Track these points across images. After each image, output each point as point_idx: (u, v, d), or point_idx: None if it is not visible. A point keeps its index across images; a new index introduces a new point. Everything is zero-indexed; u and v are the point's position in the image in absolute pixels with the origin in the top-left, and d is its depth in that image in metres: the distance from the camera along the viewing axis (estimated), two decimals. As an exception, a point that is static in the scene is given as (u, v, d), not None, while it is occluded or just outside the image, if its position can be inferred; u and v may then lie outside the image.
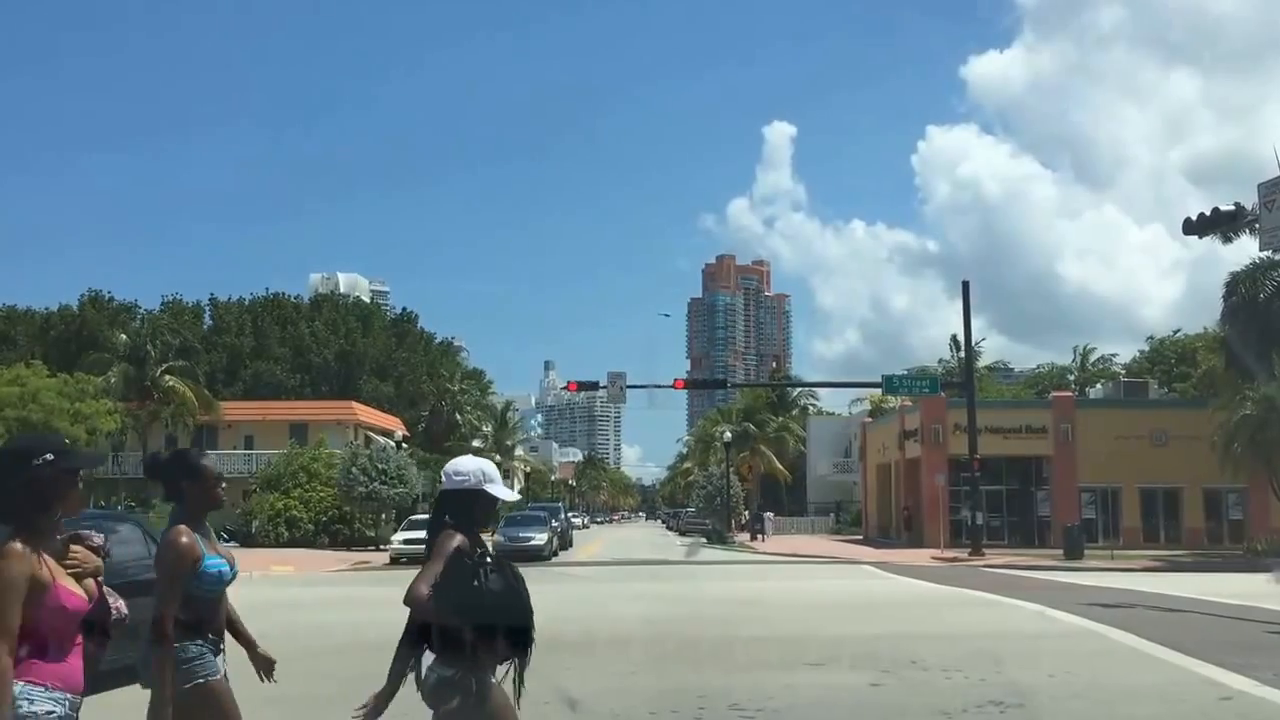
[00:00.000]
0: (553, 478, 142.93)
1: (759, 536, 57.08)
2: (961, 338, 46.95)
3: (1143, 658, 12.69)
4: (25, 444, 3.70)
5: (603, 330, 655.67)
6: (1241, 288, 37.57)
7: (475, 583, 4.19)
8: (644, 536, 75.56)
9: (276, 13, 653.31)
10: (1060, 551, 36.64)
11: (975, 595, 21.98)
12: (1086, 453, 44.98)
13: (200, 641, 4.60)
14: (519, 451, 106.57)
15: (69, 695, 3.55)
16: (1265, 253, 30.27)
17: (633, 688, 10.29)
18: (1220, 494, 44.88)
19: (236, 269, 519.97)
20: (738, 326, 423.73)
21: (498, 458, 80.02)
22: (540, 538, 39.05)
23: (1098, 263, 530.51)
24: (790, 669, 11.64)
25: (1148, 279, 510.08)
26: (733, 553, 46.21)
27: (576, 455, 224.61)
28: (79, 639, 3.61)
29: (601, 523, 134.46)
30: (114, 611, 3.85)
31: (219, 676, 4.61)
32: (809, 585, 26.17)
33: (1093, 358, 76.47)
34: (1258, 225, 22.82)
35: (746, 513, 69.15)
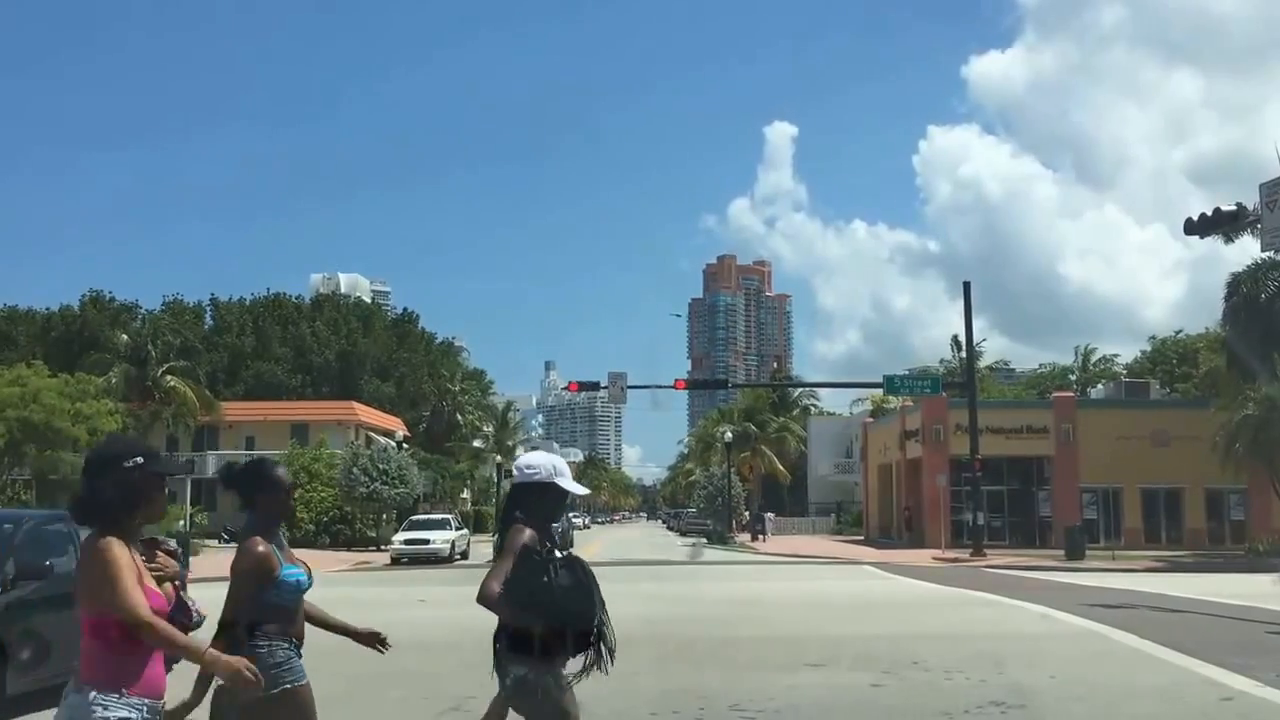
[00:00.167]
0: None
1: (760, 537, 57.07)
2: (963, 338, 46.93)
3: (1144, 658, 12.67)
4: (115, 447, 3.75)
5: (604, 331, 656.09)
6: (1243, 288, 37.57)
7: (545, 578, 4.19)
8: (645, 537, 75.58)
9: (277, 13, 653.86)
10: (1061, 552, 36.62)
11: (976, 596, 21.97)
12: (1088, 453, 44.94)
13: (288, 645, 4.61)
14: (519, 452, 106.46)
15: (148, 700, 3.55)
16: (1267, 253, 30.25)
17: (634, 688, 10.27)
18: (1222, 494, 44.83)
19: (237, 269, 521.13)
20: (739, 327, 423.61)
21: (498, 458, 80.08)
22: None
23: (1099, 263, 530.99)
24: (791, 669, 11.63)
25: (1149, 279, 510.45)
26: (733, 553, 46.21)
27: (577, 455, 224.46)
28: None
29: (602, 523, 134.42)
30: (194, 615, 3.94)
31: (305, 683, 4.63)
32: (810, 586, 26.16)
33: (1094, 358, 76.48)
34: (1259, 225, 22.79)
35: (747, 513, 69.16)
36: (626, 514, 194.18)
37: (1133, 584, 25.05)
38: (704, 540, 58.23)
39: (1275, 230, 21.69)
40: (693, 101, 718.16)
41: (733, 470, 68.21)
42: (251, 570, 4.54)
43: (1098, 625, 15.75)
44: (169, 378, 51.85)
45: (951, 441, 44.86)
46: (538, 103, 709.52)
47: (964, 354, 49.55)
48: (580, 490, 4.80)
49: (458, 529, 41.82)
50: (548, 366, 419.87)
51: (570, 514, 70.88)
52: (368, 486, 45.05)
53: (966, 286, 42.46)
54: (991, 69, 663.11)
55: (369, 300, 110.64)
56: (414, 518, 43.54)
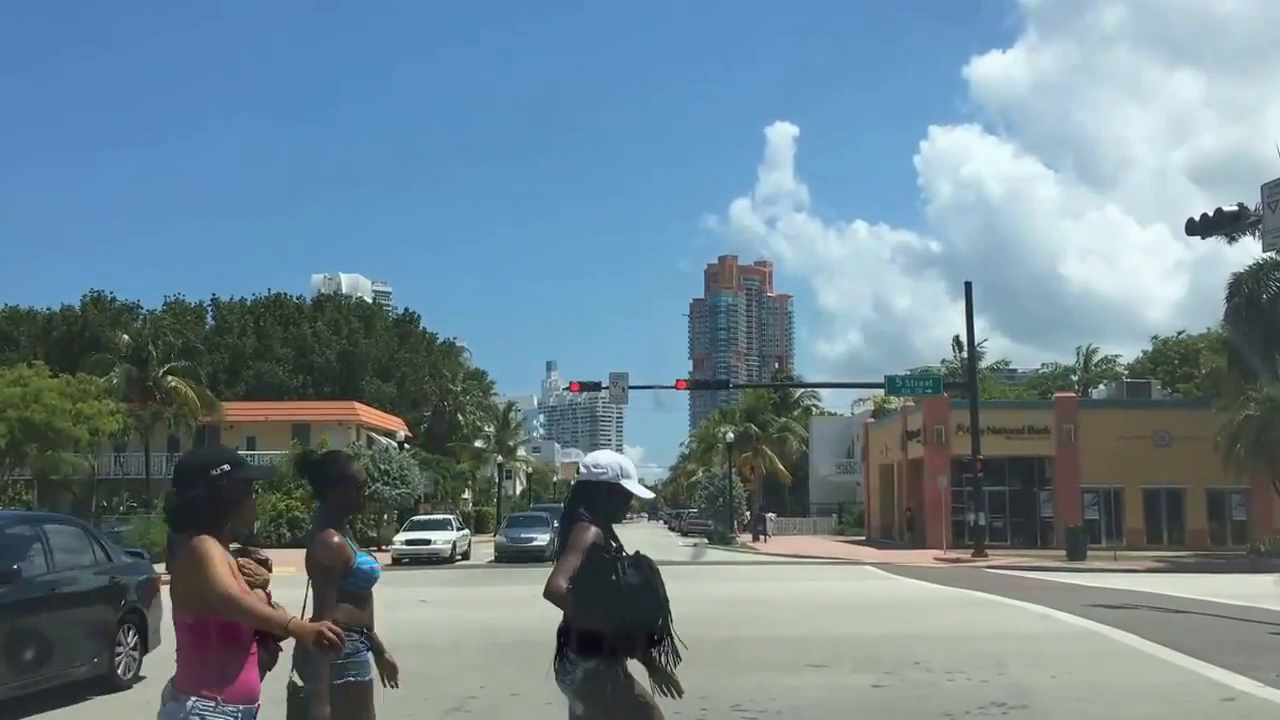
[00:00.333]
0: (555, 478, 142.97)
1: (761, 537, 57.04)
2: (964, 338, 46.94)
3: (1146, 659, 12.67)
4: (203, 456, 3.85)
5: (605, 331, 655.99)
6: (1245, 288, 37.51)
7: (613, 576, 4.21)
8: (646, 537, 75.31)
9: (278, 12, 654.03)
10: (1063, 552, 36.60)
11: (978, 596, 21.97)
12: (1089, 453, 44.91)
13: (359, 635, 4.64)
14: (521, 452, 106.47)
15: (243, 706, 3.59)
16: (1268, 253, 30.21)
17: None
18: (1223, 495, 44.82)
19: (238, 269, 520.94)
20: (740, 327, 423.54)
21: (499, 458, 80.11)
22: (542, 538, 38.98)
23: (1100, 263, 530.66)
24: (793, 670, 11.63)
25: (1150, 279, 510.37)
26: (735, 553, 46.20)
27: (579, 456, 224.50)
28: (254, 649, 3.68)
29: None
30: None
31: (369, 679, 4.68)
32: (811, 586, 26.16)
33: (1095, 358, 76.49)
34: (1261, 226, 22.77)
35: (748, 513, 69.13)
36: (628, 514, 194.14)
37: (1134, 584, 25.05)
38: (705, 540, 58.18)
39: (1277, 231, 21.65)
40: (694, 101, 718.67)
41: (734, 470, 68.17)
42: (334, 562, 4.60)
43: (1099, 626, 15.74)
44: (170, 378, 51.84)
45: (953, 442, 44.84)
46: (539, 102, 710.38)
47: (965, 354, 49.60)
48: (645, 494, 4.86)
49: (459, 529, 41.82)
50: (549, 367, 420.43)
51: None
52: (369, 487, 45.04)
53: (968, 287, 42.49)
54: (993, 69, 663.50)
55: (370, 300, 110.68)
56: (415, 518, 43.55)
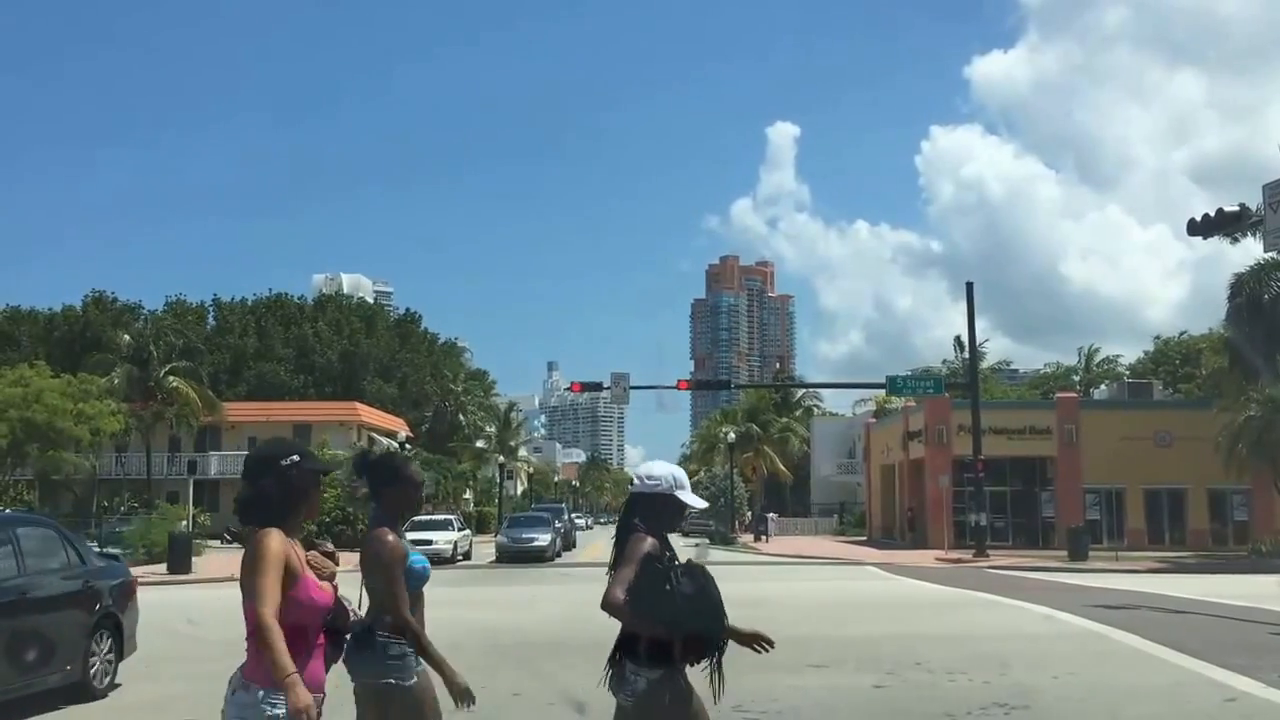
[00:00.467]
0: (556, 479, 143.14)
1: (762, 537, 57.03)
2: (965, 338, 46.94)
3: (1147, 659, 12.66)
4: (272, 448, 3.93)
5: (606, 331, 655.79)
6: (1246, 288, 37.50)
7: (668, 586, 4.23)
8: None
9: (279, 12, 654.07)
10: (1064, 553, 36.56)
11: (979, 597, 21.95)
12: (1091, 454, 44.88)
13: (404, 641, 4.67)
14: (522, 452, 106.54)
15: (319, 695, 3.65)
16: (1270, 253, 30.21)
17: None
18: (1225, 495, 44.81)
19: (240, 269, 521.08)
20: (741, 327, 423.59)
21: (500, 458, 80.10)
22: (544, 539, 39.02)
23: (1102, 263, 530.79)
24: (794, 670, 11.61)
25: (1152, 280, 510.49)
26: (736, 554, 46.15)
27: (580, 456, 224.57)
28: (321, 639, 3.75)
29: (605, 524, 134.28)
30: (351, 614, 4.04)
31: (412, 682, 4.68)
32: (813, 586, 26.15)
33: (1097, 359, 76.51)
34: (1262, 226, 22.76)
35: (750, 514, 69.12)
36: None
37: (1136, 585, 25.03)
38: (708, 541, 58.16)
39: (1278, 231, 21.64)
40: (695, 102, 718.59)
41: (735, 471, 68.18)
42: (391, 560, 4.65)
43: (1101, 626, 15.73)
44: (171, 378, 51.87)
45: (954, 442, 44.81)
46: (540, 103, 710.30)
47: (967, 354, 49.59)
48: (700, 503, 4.82)
49: (460, 530, 41.80)
50: (550, 367, 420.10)
51: (573, 515, 70.96)
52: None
53: (969, 287, 42.49)
54: (994, 69, 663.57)
55: (372, 300, 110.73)
56: (416, 518, 43.46)
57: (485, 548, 44.93)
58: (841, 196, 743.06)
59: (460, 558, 38.43)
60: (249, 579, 3.59)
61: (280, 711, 3.50)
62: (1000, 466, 44.56)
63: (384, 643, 4.56)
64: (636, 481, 4.63)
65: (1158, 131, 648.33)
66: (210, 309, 79.32)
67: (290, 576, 3.62)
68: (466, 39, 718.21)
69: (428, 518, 43.56)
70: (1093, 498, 45.84)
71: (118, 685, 10.60)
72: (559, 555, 41.43)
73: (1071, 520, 41.53)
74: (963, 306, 41.63)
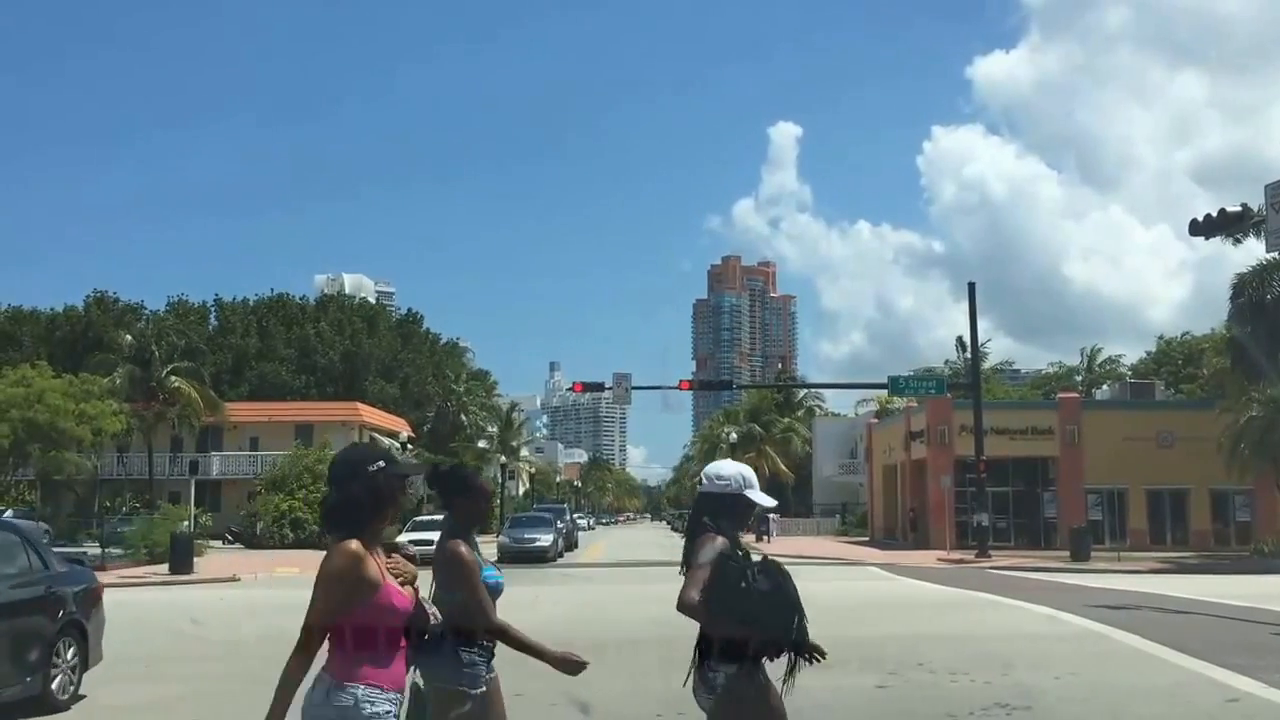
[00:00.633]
0: (558, 479, 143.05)
1: (764, 538, 57.02)
2: (967, 339, 46.92)
3: (1149, 660, 12.66)
4: (358, 454, 3.93)
5: (608, 332, 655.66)
6: (1249, 289, 37.46)
7: (743, 584, 4.26)
8: (649, 538, 75.50)
9: (281, 11, 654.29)
10: (1066, 553, 36.54)
11: (981, 597, 21.95)
12: (1093, 454, 44.87)
13: (475, 650, 4.70)
14: (524, 452, 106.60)
15: (397, 694, 3.72)
16: (1272, 254, 30.17)
17: (642, 690, 10.26)
18: (1227, 495, 44.77)
19: (242, 269, 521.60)
20: (743, 328, 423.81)
21: (502, 459, 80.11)
22: (545, 539, 39.00)
23: (1104, 264, 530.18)
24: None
25: (1154, 280, 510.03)
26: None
27: (582, 456, 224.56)
28: (403, 642, 3.78)
29: (606, 524, 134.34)
30: (431, 618, 4.07)
31: (481, 690, 4.71)
32: (814, 587, 26.01)
33: (1099, 359, 76.48)
34: (1265, 226, 22.74)
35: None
36: (631, 515, 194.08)
37: (1138, 585, 25.02)
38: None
39: (1280, 231, 21.62)
40: (697, 102, 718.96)
41: (737, 471, 68.07)
42: (470, 572, 4.65)
43: (1102, 626, 15.73)
44: (173, 378, 51.90)
45: (956, 442, 44.78)
46: (543, 103, 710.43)
47: (969, 355, 49.53)
48: (769, 502, 4.83)
49: (462, 530, 41.74)
50: (552, 367, 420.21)
51: (575, 515, 70.94)
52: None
53: (971, 287, 42.50)
54: (996, 69, 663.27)
55: (373, 301, 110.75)
56: (417, 519, 43.44)
57: (487, 548, 44.80)
58: (843, 197, 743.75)
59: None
60: (317, 590, 3.64)
61: (379, 708, 3.59)
62: (1002, 467, 44.51)
63: (457, 650, 4.59)
64: (705, 481, 4.66)
65: (1160, 132, 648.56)
66: (212, 309, 79.33)
67: (371, 585, 3.63)
68: (469, 39, 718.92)
69: (429, 518, 43.48)
70: (1095, 498, 45.80)
71: (82, 697, 10.15)
72: (561, 556, 41.44)
73: (1073, 521, 41.51)
74: (964, 307, 41.73)
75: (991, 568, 32.85)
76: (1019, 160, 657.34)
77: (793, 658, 4.39)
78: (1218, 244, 33.14)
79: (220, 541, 47.53)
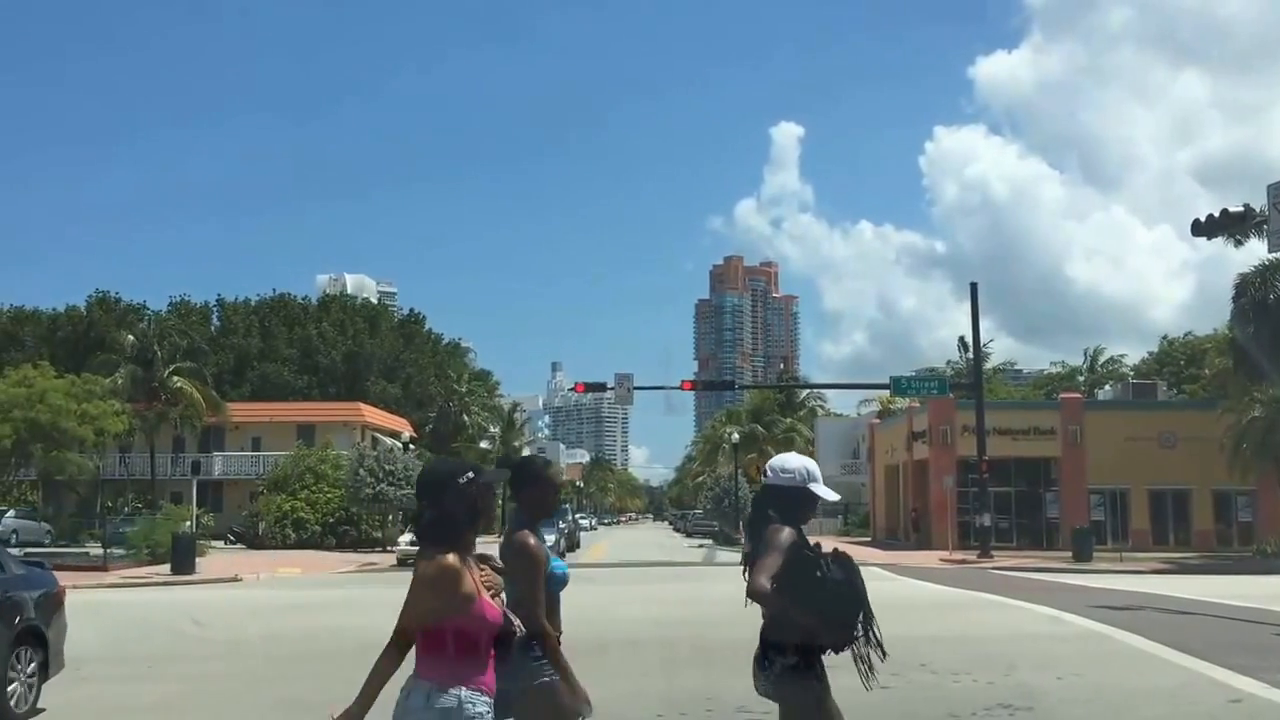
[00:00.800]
0: (560, 479, 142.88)
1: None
2: (970, 339, 46.94)
3: (1152, 660, 12.65)
4: (446, 467, 4.06)
5: (610, 332, 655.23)
6: (1251, 289, 37.44)
7: (818, 574, 4.32)
8: (652, 538, 75.62)
9: (283, 11, 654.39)
10: (1069, 553, 36.56)
11: (983, 598, 21.94)
12: (1095, 454, 44.84)
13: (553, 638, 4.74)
14: (526, 452, 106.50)
15: (492, 698, 3.81)
16: (1275, 254, 30.17)
17: (643, 690, 10.27)
18: (1230, 496, 44.74)
19: (244, 269, 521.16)
20: (745, 328, 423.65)
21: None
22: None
23: (1106, 264, 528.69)
24: (798, 671, 11.60)
25: (1156, 280, 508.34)
26: (741, 554, 46.21)
27: (584, 457, 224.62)
28: (492, 651, 3.86)
29: (608, 524, 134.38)
30: (516, 628, 4.08)
31: (557, 677, 4.75)
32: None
33: (1102, 359, 76.46)
34: (1267, 227, 22.73)
35: (754, 514, 69.04)
36: (633, 515, 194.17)
37: (1140, 586, 25.01)
38: (711, 542, 58.19)
39: (1283, 231, 21.61)
40: (699, 103, 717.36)
41: (740, 471, 68.14)
42: (533, 565, 4.69)
43: (1105, 627, 15.72)
44: (175, 378, 51.95)
45: (958, 443, 44.79)
46: (545, 103, 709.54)
47: (971, 355, 49.54)
48: (832, 496, 4.87)
49: (464, 530, 41.75)
50: (554, 367, 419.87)
51: (577, 515, 70.97)
52: (374, 488, 45.06)
53: (973, 287, 42.53)
54: (998, 70, 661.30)
55: (375, 301, 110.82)
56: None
57: (488, 549, 44.90)
58: (845, 197, 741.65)
59: (464, 558, 38.46)
60: (409, 598, 3.72)
61: (479, 709, 3.68)
62: (1004, 467, 44.48)
63: (528, 646, 4.59)
64: (770, 474, 4.71)
65: (1162, 132, 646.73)
66: (214, 309, 79.44)
67: (467, 599, 3.71)
68: (471, 39, 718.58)
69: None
70: (1097, 498, 45.78)
71: (41, 710, 9.54)
72: (562, 556, 41.37)
73: (1076, 521, 41.50)
74: (967, 307, 41.74)
75: (994, 568, 32.85)
76: (1021, 160, 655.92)
77: (861, 650, 4.47)
78: (1220, 244, 33.11)
79: (222, 542, 47.58)
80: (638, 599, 21.18)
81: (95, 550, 35.89)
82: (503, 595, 4.00)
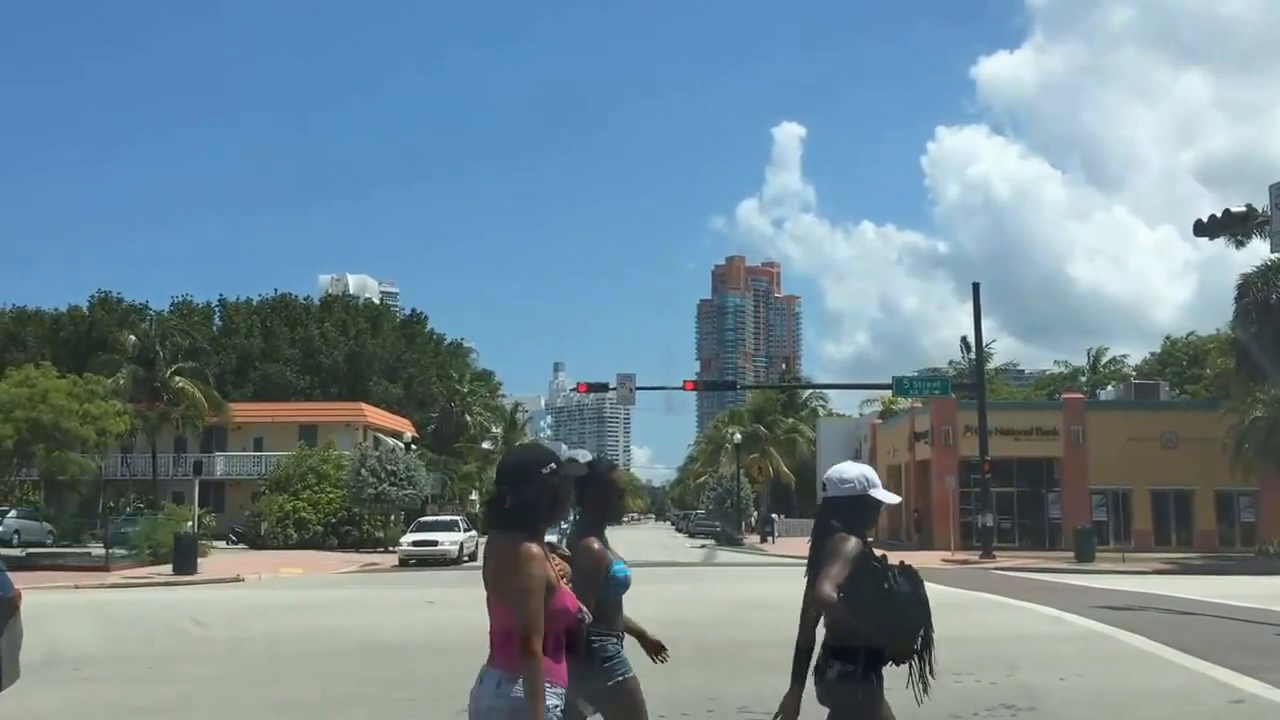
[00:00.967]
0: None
1: (768, 538, 57.06)
2: (972, 339, 46.92)
3: (1154, 660, 12.63)
4: (530, 455, 4.02)
5: (612, 332, 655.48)
6: (1254, 289, 37.45)
7: (885, 585, 4.35)
8: (654, 538, 75.53)
9: (285, 10, 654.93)
10: (1071, 554, 36.56)
11: (985, 598, 21.91)
12: (1097, 455, 44.85)
13: (616, 639, 4.80)
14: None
15: (564, 690, 3.83)
16: (1277, 254, 30.14)
17: (645, 690, 10.23)
18: (1232, 496, 44.75)
19: (245, 269, 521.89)
20: (747, 328, 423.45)
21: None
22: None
23: (1108, 264, 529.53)
24: (800, 671, 11.59)
25: (1158, 280, 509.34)
26: (743, 554, 46.21)
27: (585, 457, 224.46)
28: (564, 641, 3.85)
29: (610, 525, 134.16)
30: (585, 618, 4.09)
31: (633, 674, 4.83)
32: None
33: (1104, 359, 76.44)
34: (1269, 227, 22.71)
35: (755, 515, 69.10)
36: (635, 515, 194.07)
37: (1142, 586, 24.98)
38: (713, 542, 58.21)
39: (1285, 231, 21.59)
40: (701, 102, 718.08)
41: (742, 472, 68.15)
42: (593, 569, 4.69)
43: (1107, 627, 15.70)
44: (177, 379, 51.98)
45: (961, 443, 44.80)
46: (546, 103, 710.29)
47: (973, 355, 49.58)
48: (892, 499, 4.91)
49: (466, 530, 41.80)
50: (556, 368, 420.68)
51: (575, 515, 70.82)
52: (376, 488, 45.08)
53: (975, 287, 42.51)
54: (1000, 70, 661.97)
55: (377, 301, 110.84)
56: (422, 519, 43.55)
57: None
58: (847, 197, 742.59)
59: (466, 559, 38.41)
60: (522, 597, 3.65)
61: (549, 701, 3.64)
62: (1007, 467, 44.48)
63: (599, 646, 4.65)
64: (828, 487, 4.70)
65: (1164, 132, 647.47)
66: (216, 309, 79.46)
67: (550, 589, 3.71)
68: (473, 39, 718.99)
69: (433, 519, 43.65)
70: (1099, 499, 45.78)
71: None
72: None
73: (1078, 521, 41.48)
74: (969, 307, 41.72)
75: (996, 568, 32.84)
76: (1023, 160, 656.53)
77: (920, 664, 4.54)
78: (1222, 244, 33.10)
79: (224, 542, 47.61)
80: (639, 599, 21.10)
81: (97, 550, 35.91)
82: (569, 584, 4.01)
